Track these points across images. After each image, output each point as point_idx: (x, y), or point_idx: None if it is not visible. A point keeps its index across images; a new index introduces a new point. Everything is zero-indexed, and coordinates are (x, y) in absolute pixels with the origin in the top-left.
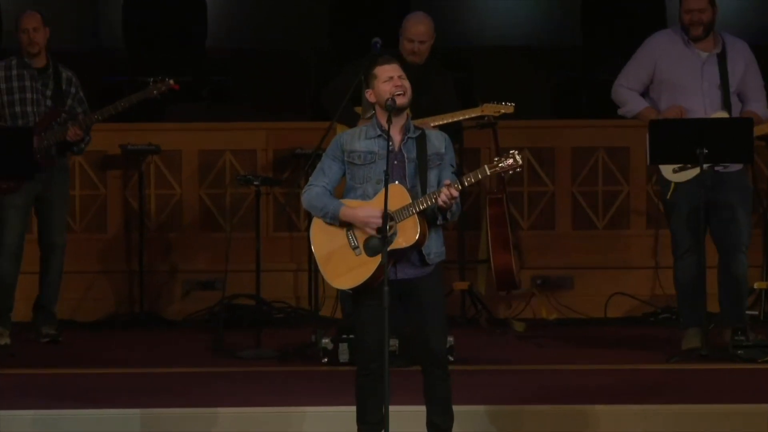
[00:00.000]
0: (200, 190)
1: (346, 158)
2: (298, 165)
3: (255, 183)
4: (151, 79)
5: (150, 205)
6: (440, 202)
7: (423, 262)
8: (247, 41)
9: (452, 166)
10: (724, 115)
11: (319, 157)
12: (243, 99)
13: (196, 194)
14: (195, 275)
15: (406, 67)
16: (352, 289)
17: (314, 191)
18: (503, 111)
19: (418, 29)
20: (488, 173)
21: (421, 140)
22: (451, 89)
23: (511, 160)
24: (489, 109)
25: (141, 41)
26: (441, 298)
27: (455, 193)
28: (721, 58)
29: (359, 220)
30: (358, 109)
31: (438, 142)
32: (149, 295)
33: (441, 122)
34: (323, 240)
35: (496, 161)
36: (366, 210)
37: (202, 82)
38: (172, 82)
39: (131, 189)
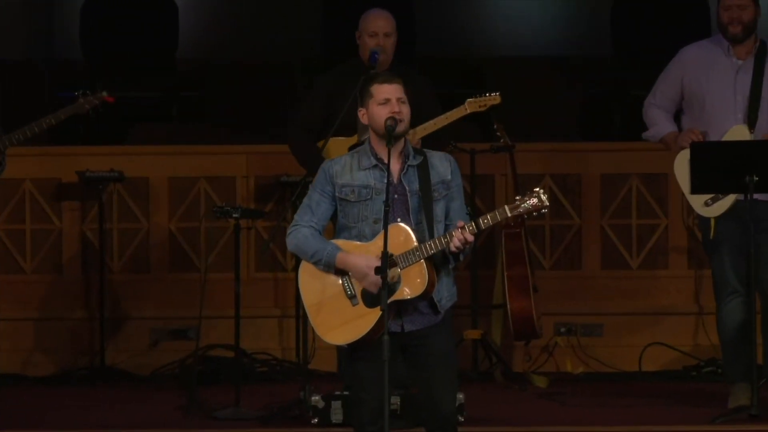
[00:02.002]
0: (170, 223)
1: (337, 193)
2: (284, 194)
3: (234, 215)
4: (80, 91)
5: (112, 241)
6: (453, 248)
7: (434, 309)
8: (224, 51)
9: (465, 207)
10: (744, 131)
11: (307, 186)
12: (219, 118)
13: (166, 228)
14: (164, 323)
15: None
16: (347, 344)
17: (302, 233)
18: (490, 103)
19: (377, 22)
20: (509, 215)
21: (424, 168)
22: (432, 94)
23: (535, 200)
24: (473, 105)
25: (101, 51)
26: (451, 349)
27: (470, 238)
28: (757, 64)
29: (359, 271)
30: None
31: (443, 167)
32: (111, 346)
33: (425, 132)
34: (314, 285)
35: (518, 201)
36: (368, 258)
37: (171, 99)
38: (105, 94)
39: (90, 222)
